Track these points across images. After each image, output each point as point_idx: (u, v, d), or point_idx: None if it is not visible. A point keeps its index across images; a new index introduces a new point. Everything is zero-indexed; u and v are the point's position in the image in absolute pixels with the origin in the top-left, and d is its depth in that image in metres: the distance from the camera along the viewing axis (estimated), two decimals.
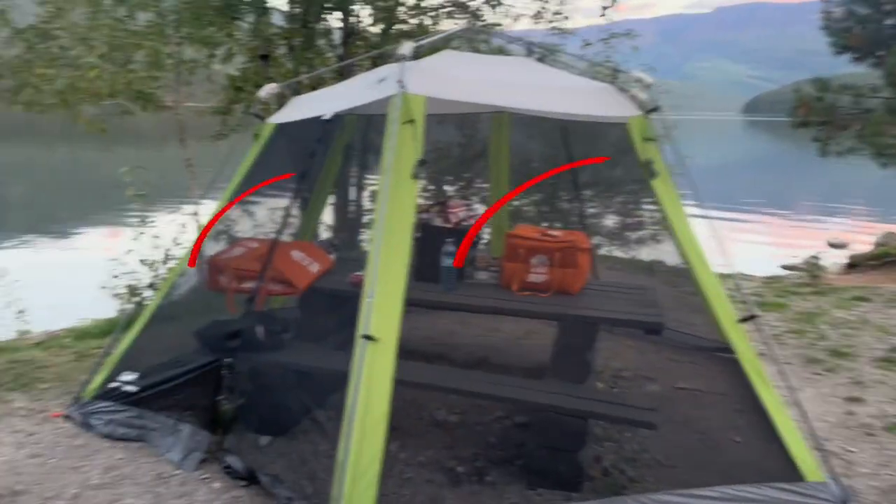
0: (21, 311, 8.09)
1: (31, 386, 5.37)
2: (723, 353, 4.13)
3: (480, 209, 6.57)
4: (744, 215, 22.52)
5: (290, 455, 4.27)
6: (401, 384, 3.41)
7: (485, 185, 8.70)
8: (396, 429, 3.64)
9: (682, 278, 4.80)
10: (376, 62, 7.58)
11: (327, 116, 4.51)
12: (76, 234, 17.85)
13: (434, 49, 5.08)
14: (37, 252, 15.46)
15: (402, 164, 3.54)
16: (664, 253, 5.79)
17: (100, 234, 17.31)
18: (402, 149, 3.54)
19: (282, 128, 5.19)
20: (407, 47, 3.85)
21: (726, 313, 4.04)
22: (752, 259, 12.80)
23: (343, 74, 7.56)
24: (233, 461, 4.14)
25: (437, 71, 4.15)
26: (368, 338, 3.33)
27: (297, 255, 5.12)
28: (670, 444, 4.28)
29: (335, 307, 4.86)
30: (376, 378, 3.31)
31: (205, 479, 4.13)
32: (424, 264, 4.57)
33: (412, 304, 3.62)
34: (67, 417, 4.83)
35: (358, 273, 4.73)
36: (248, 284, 4.84)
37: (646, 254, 8.97)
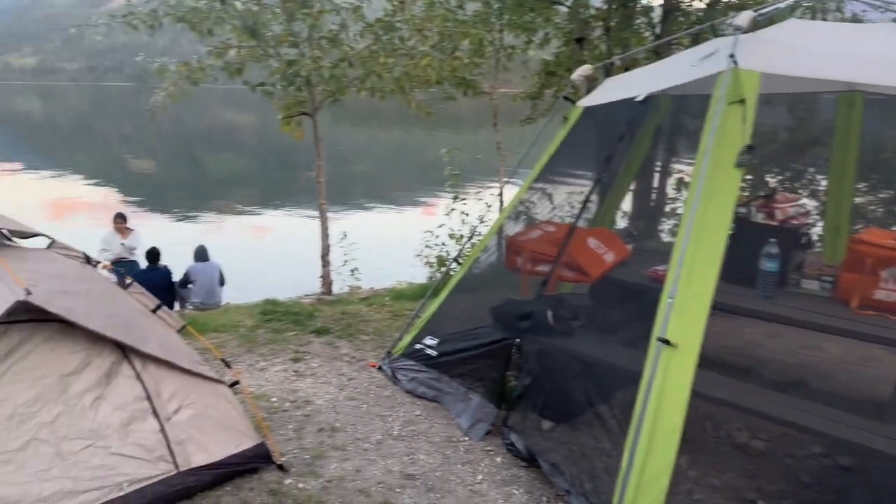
0: (354, 270, 9.40)
1: (355, 336, 6.19)
2: None
3: (811, 206, 5.63)
4: None
5: (570, 444, 4.18)
6: (698, 396, 3.05)
7: (819, 177, 7.44)
8: (688, 442, 3.28)
9: None
10: (697, 39, 6.97)
11: (640, 98, 4.22)
12: (401, 206, 20.22)
13: (774, 20, 4.41)
14: (370, 219, 17.93)
15: (724, 149, 3.12)
16: None
17: (419, 208, 19.37)
18: (725, 132, 3.12)
19: (591, 111, 5.04)
20: (744, 17, 3.37)
21: None
22: None
23: (659, 54, 7.10)
24: (515, 440, 4.20)
25: (777, 43, 3.57)
26: (665, 342, 3.03)
27: (592, 242, 4.96)
28: None
29: (628, 300, 4.59)
30: (671, 386, 3.01)
31: (488, 450, 4.28)
32: (738, 265, 4.03)
33: (719, 309, 3.21)
34: (380, 369, 5.43)
35: (658, 268, 4.40)
36: (542, 268, 4.84)
37: None
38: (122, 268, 9.00)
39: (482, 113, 10.99)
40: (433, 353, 4.99)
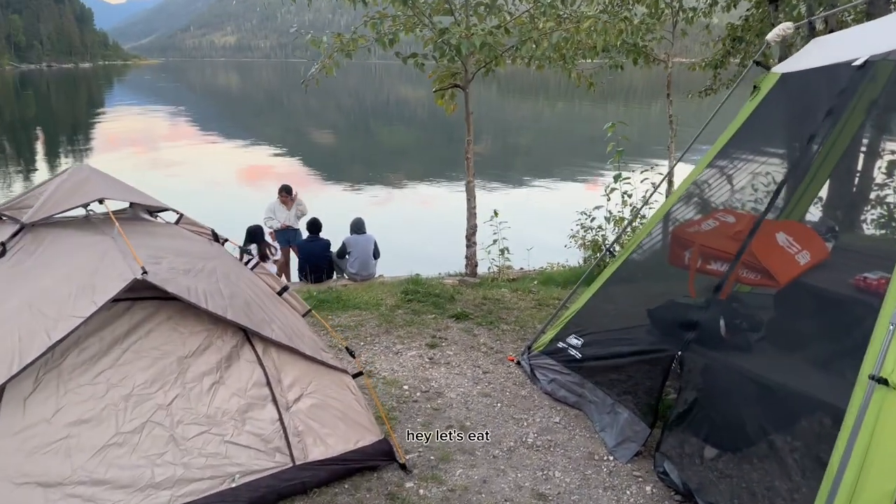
0: (504, 250, 9.00)
1: (495, 325, 5.79)
2: None
3: None
4: None
5: (736, 480, 3.49)
6: None
7: None
8: None
9: None
10: None
11: (859, 62, 3.33)
12: (562, 182, 19.43)
13: None
14: (527, 196, 17.39)
15: None
16: None
17: (581, 185, 18.47)
18: None
19: (789, 78, 4.13)
20: None
21: None
22: None
23: (872, 14, 5.81)
24: (669, 468, 3.58)
25: None
26: (881, 381, 2.29)
27: (782, 238, 4.10)
28: None
29: (824, 313, 3.75)
30: (887, 440, 2.26)
31: (636, 476, 3.70)
32: None
33: None
34: (518, 364, 4.99)
35: (868, 276, 3.52)
36: (716, 266, 4.08)
37: None
38: (286, 236, 9.54)
39: (656, 84, 9.99)
40: (577, 354, 4.45)
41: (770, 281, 3.93)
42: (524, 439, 4.04)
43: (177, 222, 3.66)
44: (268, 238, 8.79)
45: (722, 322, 3.86)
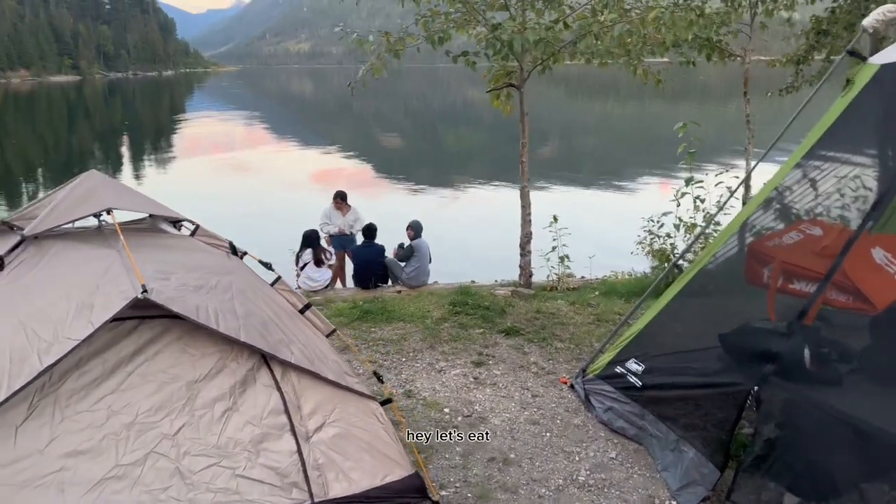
0: (564, 258, 8.52)
1: (548, 342, 5.36)
2: None
3: None
4: None
5: None
6: None
7: None
8: None
9: None
10: None
11: None
12: (629, 185, 18.65)
13: None
14: (591, 199, 16.75)
15: None
16: None
17: (645, 189, 17.65)
18: None
19: (888, 70, 3.55)
20: None
21: None
22: None
23: None
24: None
25: None
26: None
27: (879, 254, 3.53)
28: None
29: None
30: None
31: None
32: None
33: None
34: (572, 388, 4.56)
35: None
36: (800, 286, 3.56)
37: None
38: (341, 242, 9.39)
39: (734, 82, 9.29)
40: (637, 382, 3.99)
41: (865, 305, 3.38)
42: (575, 477, 3.62)
43: (193, 234, 3.44)
44: (323, 243, 8.67)
45: (807, 351, 3.35)
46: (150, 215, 3.40)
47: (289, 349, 3.04)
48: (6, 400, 2.32)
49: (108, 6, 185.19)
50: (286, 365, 3.03)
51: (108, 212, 3.00)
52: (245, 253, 3.50)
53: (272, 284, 3.41)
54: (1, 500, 2.34)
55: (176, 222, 3.45)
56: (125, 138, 35.12)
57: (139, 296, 2.54)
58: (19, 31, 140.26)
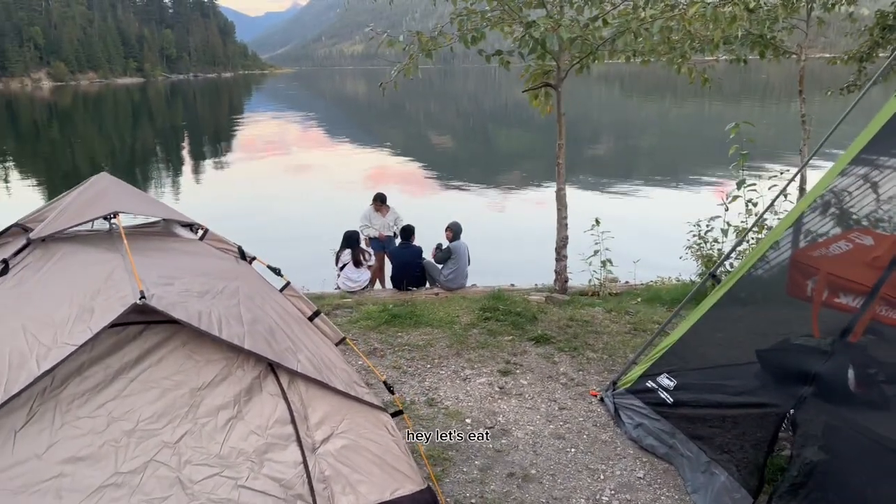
0: (606, 262, 8.26)
1: (579, 352, 5.15)
2: None
3: None
4: None
5: None
6: None
7: None
8: None
9: None
10: None
11: None
12: (680, 187, 18.08)
13: None
14: (641, 202, 16.28)
15: None
16: None
17: (701, 191, 17.06)
18: None
19: None
20: None
21: None
22: None
23: None
24: None
25: None
26: None
27: None
28: None
29: None
30: None
31: None
32: None
33: None
34: (602, 401, 4.36)
35: None
36: (846, 300, 3.28)
37: None
38: (381, 243, 9.37)
39: (796, 81, 8.82)
40: (668, 398, 3.77)
41: None
42: (598, 497, 3.44)
43: (202, 238, 3.41)
44: (363, 244, 8.66)
45: (851, 372, 3.08)
46: (164, 219, 3.39)
47: (295, 357, 2.97)
48: (3, 405, 2.31)
49: (171, 10, 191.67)
50: (293, 373, 2.96)
51: (115, 215, 2.99)
52: (254, 258, 3.45)
53: (281, 290, 3.34)
54: None
55: (189, 225, 3.43)
56: (185, 136, 36.25)
57: (138, 301, 2.50)
58: (88, 35, 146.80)
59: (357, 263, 8.13)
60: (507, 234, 12.78)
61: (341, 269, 8.27)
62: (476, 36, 5.81)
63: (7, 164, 24.67)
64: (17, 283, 2.73)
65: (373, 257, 8.60)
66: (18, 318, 2.53)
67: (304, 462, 2.91)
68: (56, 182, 20.71)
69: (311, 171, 22.57)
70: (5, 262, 2.81)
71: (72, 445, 2.51)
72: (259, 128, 40.78)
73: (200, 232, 3.42)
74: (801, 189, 7.44)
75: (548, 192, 17.25)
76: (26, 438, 2.45)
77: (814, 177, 4.60)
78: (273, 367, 2.97)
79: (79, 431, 2.54)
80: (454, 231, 8.18)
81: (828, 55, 11.27)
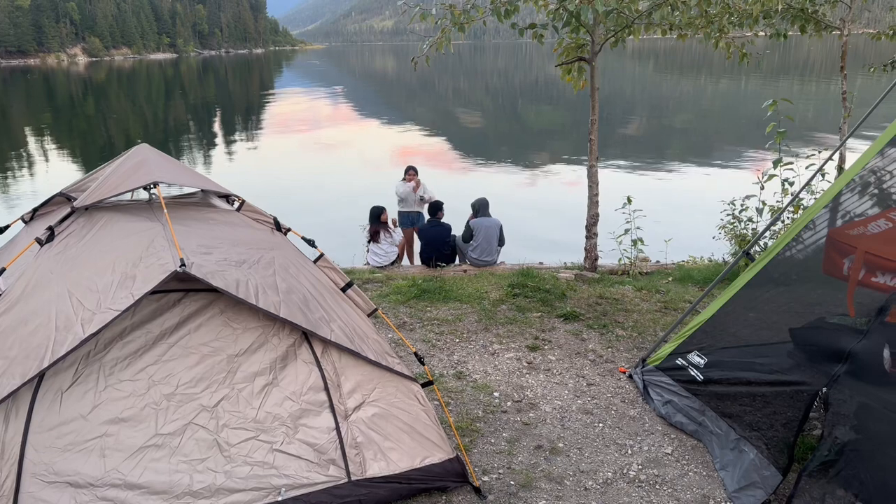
0: (637, 241, 8.19)
1: (608, 329, 5.15)
2: None
3: None
4: None
5: None
6: None
7: None
8: None
9: None
10: None
11: None
12: (716, 165, 17.74)
13: None
14: (675, 180, 16.03)
15: None
16: None
17: (738, 170, 16.72)
18: None
19: None
20: None
21: None
22: None
23: None
24: None
25: None
26: None
27: None
28: None
29: None
30: None
31: None
32: None
33: None
34: (630, 378, 4.36)
35: None
36: (883, 279, 3.22)
37: None
38: (411, 219, 9.39)
39: (835, 58, 8.55)
40: (698, 375, 3.75)
41: None
42: (625, 471, 3.46)
43: (238, 209, 3.47)
44: (390, 224, 8.65)
45: (887, 352, 3.04)
46: (202, 190, 3.46)
47: (329, 326, 3.03)
48: (51, 366, 2.41)
49: None
50: (326, 342, 3.02)
51: (155, 185, 3.06)
52: (289, 229, 3.51)
53: (315, 261, 3.40)
54: (46, 462, 2.45)
55: (226, 196, 3.50)
56: (217, 112, 36.61)
57: (178, 269, 2.57)
58: (122, 10, 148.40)
59: (374, 238, 8.19)
60: (536, 212, 12.70)
61: (369, 243, 8.34)
62: (510, 9, 5.74)
63: (47, 137, 25.25)
64: (62, 250, 2.83)
65: (395, 233, 8.61)
66: (64, 283, 2.63)
67: (337, 428, 2.99)
68: (93, 155, 21.16)
69: (341, 148, 22.66)
70: (51, 229, 2.91)
71: (115, 407, 2.62)
72: (289, 104, 40.97)
73: (237, 203, 3.49)
74: (840, 168, 7.25)
75: (578, 172, 17.14)
76: (72, 398, 2.56)
77: (852, 156, 4.48)
78: (307, 336, 3.04)
79: (121, 394, 2.64)
80: (475, 208, 8.17)
81: (872, 31, 10.90)
